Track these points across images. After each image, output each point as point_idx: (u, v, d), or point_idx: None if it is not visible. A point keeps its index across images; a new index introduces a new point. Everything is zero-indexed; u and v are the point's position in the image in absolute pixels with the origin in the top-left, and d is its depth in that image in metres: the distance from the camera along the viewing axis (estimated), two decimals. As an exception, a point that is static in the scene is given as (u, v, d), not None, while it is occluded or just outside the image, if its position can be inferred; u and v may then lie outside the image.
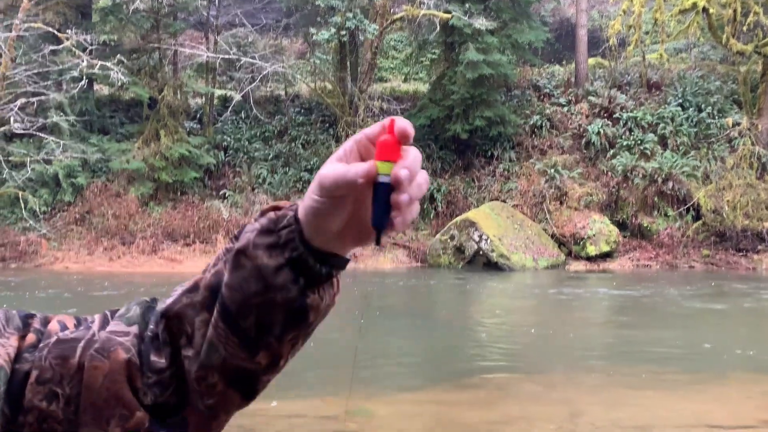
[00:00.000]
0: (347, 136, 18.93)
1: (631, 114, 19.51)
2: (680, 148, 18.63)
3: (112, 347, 0.77)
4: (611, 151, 18.98)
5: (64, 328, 0.81)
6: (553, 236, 17.62)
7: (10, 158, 17.68)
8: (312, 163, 19.62)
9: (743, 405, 6.16)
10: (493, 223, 16.62)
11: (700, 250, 17.07)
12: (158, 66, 20.32)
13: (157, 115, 19.39)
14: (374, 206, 0.66)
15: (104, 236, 17.93)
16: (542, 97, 21.17)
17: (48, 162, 17.77)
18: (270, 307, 0.72)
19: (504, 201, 18.28)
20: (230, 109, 20.47)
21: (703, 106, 19.20)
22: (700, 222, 17.29)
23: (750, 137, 17.60)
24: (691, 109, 19.26)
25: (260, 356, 0.74)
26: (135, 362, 0.76)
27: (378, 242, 0.68)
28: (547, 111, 20.36)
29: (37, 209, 17.77)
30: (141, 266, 17.06)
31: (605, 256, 17.35)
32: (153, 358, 0.77)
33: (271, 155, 20.13)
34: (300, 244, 0.70)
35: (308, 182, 19.40)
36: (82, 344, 0.78)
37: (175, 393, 0.76)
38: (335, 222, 0.69)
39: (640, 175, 17.99)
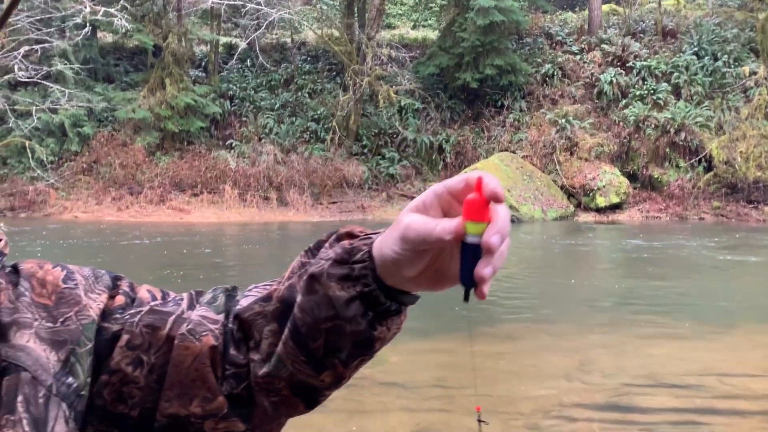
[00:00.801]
0: (355, 84, 18.66)
1: (644, 63, 19.09)
2: (694, 98, 18.29)
3: (204, 332, 0.80)
4: (623, 101, 18.66)
5: (153, 298, 0.84)
6: (562, 187, 17.49)
7: (15, 107, 17.55)
8: (319, 112, 19.40)
9: (751, 354, 6.17)
10: (503, 174, 16.49)
11: (710, 201, 16.93)
12: (162, 12, 19.92)
13: (162, 63, 19.11)
14: (462, 265, 0.65)
15: (112, 186, 17.93)
16: (554, 45, 20.71)
17: (54, 111, 17.65)
18: (338, 334, 0.73)
19: (513, 152, 18.09)
20: (236, 56, 20.15)
21: (719, 54, 18.75)
22: (711, 173, 17.10)
23: (766, 86, 17.23)
24: (706, 57, 18.82)
25: (325, 375, 0.76)
26: (220, 351, 0.80)
27: (467, 300, 0.67)
28: (559, 59, 19.94)
29: (45, 159, 17.73)
30: (149, 216, 17.10)
31: (615, 207, 17.26)
32: (232, 351, 0.80)
33: (277, 105, 19.91)
34: (373, 281, 0.71)
35: (315, 132, 19.35)
36: (172, 318, 0.81)
37: (247, 388, 0.80)
38: (413, 270, 0.70)
39: (652, 126, 17.73)
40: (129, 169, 18.12)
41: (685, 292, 8.77)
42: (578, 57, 20.07)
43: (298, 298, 0.75)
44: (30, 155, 17.44)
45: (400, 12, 24.98)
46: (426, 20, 24.18)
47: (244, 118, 19.79)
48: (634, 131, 18.04)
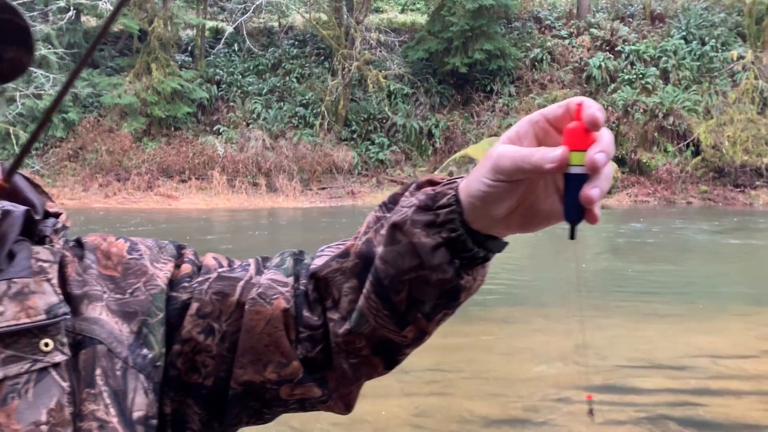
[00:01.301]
0: (344, 69, 18.53)
1: (633, 47, 19.12)
2: (682, 82, 18.36)
3: (275, 295, 0.77)
4: (612, 86, 18.70)
5: (220, 265, 0.82)
6: (551, 172, 17.55)
7: (-2, 92, 17.27)
8: (307, 97, 19.27)
9: (744, 336, 6.24)
10: (492, 158, 16.51)
11: (698, 185, 17.06)
12: (147, -4, 19.62)
13: (148, 48, 18.87)
14: (566, 199, 0.60)
15: (99, 172, 17.74)
16: (543, 29, 20.68)
17: (38, 96, 17.39)
18: (423, 284, 0.70)
19: (503, 136, 18.10)
20: (222, 41, 19.92)
21: (706, 38, 18.81)
22: (699, 158, 17.21)
23: (754, 71, 17.32)
24: (694, 42, 18.88)
25: (408, 330, 0.73)
26: (292, 314, 0.77)
27: (573, 236, 0.62)
28: (548, 44, 19.92)
29: (29, 145, 17.48)
30: (137, 203, 16.95)
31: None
32: (306, 313, 0.77)
33: (265, 89, 19.75)
34: (460, 225, 0.67)
35: (303, 118, 19.24)
36: (241, 284, 0.78)
37: (322, 352, 0.77)
38: (503, 208, 0.65)
39: (641, 110, 17.80)
40: (116, 156, 17.92)
41: (677, 275, 8.85)
42: (567, 41, 20.06)
43: (380, 250, 0.72)
44: (14, 141, 17.20)
45: (388, -4, 24.80)
46: (414, 4, 24.03)
47: (231, 103, 19.62)
48: (623, 116, 18.10)
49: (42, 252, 0.73)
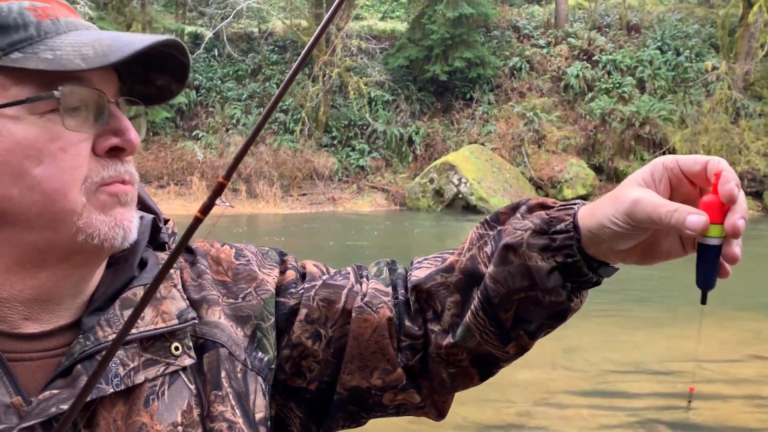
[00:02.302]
0: (324, 75, 18.51)
1: (610, 57, 19.41)
2: (658, 91, 18.68)
3: (380, 304, 0.79)
4: (589, 95, 18.95)
5: (323, 272, 0.84)
6: (530, 180, 17.70)
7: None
8: (287, 103, 19.20)
9: (727, 340, 6.35)
10: (473, 166, 16.60)
11: (673, 193, 17.36)
12: (126, 0, 19.41)
13: (126, 52, 18.66)
14: (700, 266, 0.63)
15: (74, 177, 17.47)
16: (522, 38, 20.90)
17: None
18: (532, 304, 0.72)
19: (483, 144, 18.21)
20: (202, 46, 19.78)
21: (681, 49, 19.18)
22: (674, 166, 17.52)
23: (727, 81, 17.70)
24: (669, 52, 19.23)
25: (510, 346, 0.76)
26: (395, 323, 0.79)
27: (704, 301, 0.65)
28: (527, 53, 20.14)
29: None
30: (114, 208, 16.73)
31: (581, 199, 17.42)
32: (407, 323, 0.79)
33: (244, 95, 19.64)
34: (577, 251, 0.69)
35: (284, 123, 19.17)
36: (345, 291, 0.80)
37: (420, 360, 0.79)
38: (626, 245, 0.67)
39: (618, 119, 18.05)
40: (92, 161, 17.67)
41: (660, 281, 8.97)
42: (545, 50, 20.30)
43: (490, 269, 0.73)
44: None
45: (368, 3, 24.86)
46: (394, 12, 24.14)
47: (210, 109, 19.47)
48: (600, 124, 18.35)
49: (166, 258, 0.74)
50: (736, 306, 7.60)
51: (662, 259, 0.69)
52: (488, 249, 0.75)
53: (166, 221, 0.80)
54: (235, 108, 19.28)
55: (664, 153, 17.60)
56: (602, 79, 19.12)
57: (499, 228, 0.76)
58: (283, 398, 0.80)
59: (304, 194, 17.81)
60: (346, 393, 0.79)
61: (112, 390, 0.64)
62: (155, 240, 0.78)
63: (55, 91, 0.62)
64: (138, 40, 0.64)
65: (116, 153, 0.67)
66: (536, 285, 0.71)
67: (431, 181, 16.70)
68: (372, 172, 18.27)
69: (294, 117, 18.93)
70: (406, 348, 0.79)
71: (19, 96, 0.62)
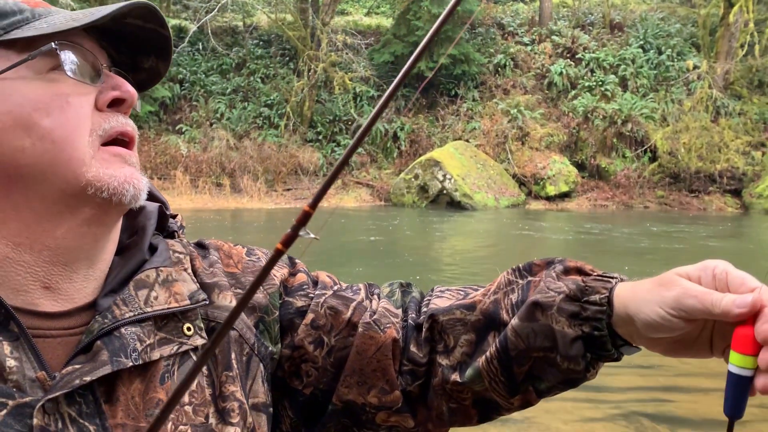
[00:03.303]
0: (309, 70, 18.46)
1: (593, 55, 19.58)
2: (640, 90, 18.88)
3: (388, 324, 0.80)
4: (572, 92, 19.11)
5: (335, 282, 0.86)
6: (514, 176, 17.83)
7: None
8: (272, 98, 19.14)
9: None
10: (457, 162, 16.68)
11: (654, 191, 17.57)
12: (108, -9, 19.21)
13: (109, 45, 18.45)
14: (729, 395, 0.62)
15: (56, 171, 17.27)
16: (506, 35, 21.00)
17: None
18: (548, 365, 0.73)
19: (467, 141, 18.30)
20: (186, 40, 19.63)
21: (663, 48, 19.40)
22: (656, 163, 17.73)
23: (708, 80, 17.94)
24: (651, 51, 19.44)
25: (516, 399, 0.76)
26: (400, 345, 0.80)
27: (731, 430, 0.63)
28: (511, 50, 20.25)
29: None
30: (96, 202, 16.56)
31: (564, 196, 17.70)
32: (413, 348, 0.80)
33: (228, 89, 19.53)
34: (605, 327, 0.69)
35: (268, 118, 19.16)
36: (353, 305, 0.82)
37: (420, 387, 0.80)
38: (657, 334, 0.66)
39: (600, 117, 18.23)
40: (74, 154, 17.47)
41: (641, 277, 9.09)
42: (529, 48, 20.42)
43: (514, 321, 0.73)
44: None
45: (353, -2, 24.82)
46: (379, 7, 24.12)
47: (194, 103, 19.34)
48: (583, 122, 18.51)
49: (176, 245, 0.79)
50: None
51: (689, 355, 0.68)
52: (514, 297, 0.75)
53: (173, 216, 0.83)
54: (219, 102, 19.17)
55: (645, 151, 17.81)
56: (585, 77, 19.29)
57: (529, 279, 0.76)
58: (278, 395, 0.81)
59: (288, 189, 17.78)
60: (341, 405, 0.80)
61: (131, 363, 0.67)
62: (163, 228, 0.81)
63: (53, 44, 0.67)
64: (118, 4, 0.69)
65: (116, 107, 0.72)
66: (557, 348, 0.71)
67: (416, 177, 16.75)
68: (357, 168, 18.28)
69: (278, 112, 18.87)
70: (407, 372, 0.80)
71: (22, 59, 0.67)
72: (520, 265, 0.78)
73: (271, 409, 0.78)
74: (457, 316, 0.79)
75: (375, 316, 0.80)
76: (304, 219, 0.57)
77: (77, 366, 0.65)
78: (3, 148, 0.65)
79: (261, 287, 0.79)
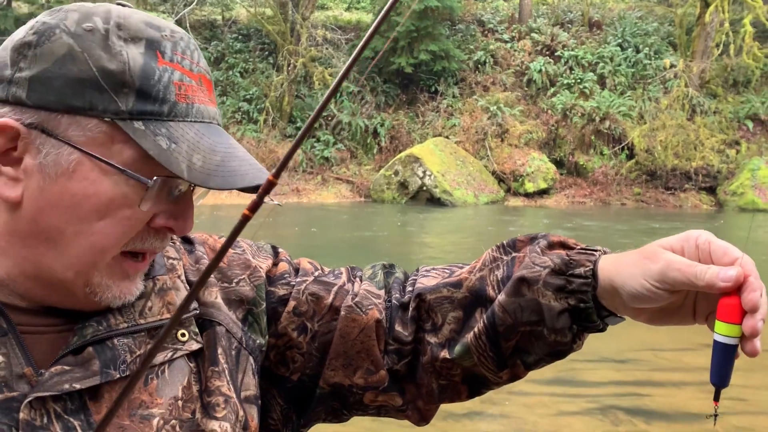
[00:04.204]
0: (289, 65, 18.36)
1: (572, 52, 19.72)
2: (618, 87, 19.06)
3: (370, 306, 0.80)
4: (551, 90, 19.23)
5: (316, 269, 0.86)
6: (493, 173, 17.90)
7: None
8: (251, 92, 19.00)
9: (682, 330, 6.53)
10: (437, 159, 16.70)
11: (631, 188, 17.76)
12: (84, -17, 18.91)
13: (84, 37, 18.18)
14: (714, 363, 0.63)
15: (30, 165, 16.99)
16: (486, 32, 21.07)
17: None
18: (536, 338, 0.74)
19: (447, 137, 18.34)
20: (164, 33, 19.41)
21: (640, 46, 19.60)
22: (633, 161, 17.92)
23: (684, 79, 18.17)
24: (629, 49, 19.63)
25: (504, 373, 0.78)
26: (384, 326, 0.80)
27: (717, 398, 0.65)
28: (491, 47, 20.32)
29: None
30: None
31: (542, 192, 17.82)
32: (398, 328, 0.80)
33: (207, 84, 19.34)
34: (591, 299, 0.70)
35: (247, 113, 19.06)
36: (335, 289, 0.82)
37: (407, 366, 0.80)
38: (641, 304, 0.67)
39: (579, 114, 18.38)
40: (48, 148, 17.20)
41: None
42: (509, 45, 20.50)
43: (501, 297, 0.74)
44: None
45: (333, -7, 24.72)
46: (359, 2, 24.05)
47: (172, 97, 19.13)
48: (562, 119, 18.65)
49: (170, 250, 0.79)
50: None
51: (673, 323, 0.70)
52: (499, 273, 0.76)
53: None
54: (197, 96, 18.98)
55: (623, 148, 18.00)
56: (564, 75, 19.42)
57: (513, 255, 0.77)
58: (266, 384, 0.82)
59: (267, 185, 17.67)
60: (329, 388, 0.81)
61: (118, 375, 0.68)
62: None
63: (149, 180, 0.65)
64: (243, 174, 0.67)
65: (165, 231, 0.70)
66: (544, 322, 0.72)
67: (396, 173, 16.75)
68: (337, 164, 18.23)
69: (258, 107, 18.74)
70: (392, 351, 0.80)
71: (122, 156, 0.64)
72: (504, 242, 0.79)
73: (259, 401, 0.78)
74: (444, 294, 0.79)
75: (357, 299, 0.81)
76: (269, 187, 0.59)
77: (66, 368, 0.66)
78: (47, 219, 0.64)
79: (248, 279, 0.80)
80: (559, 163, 18.35)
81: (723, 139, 17.89)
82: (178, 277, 0.77)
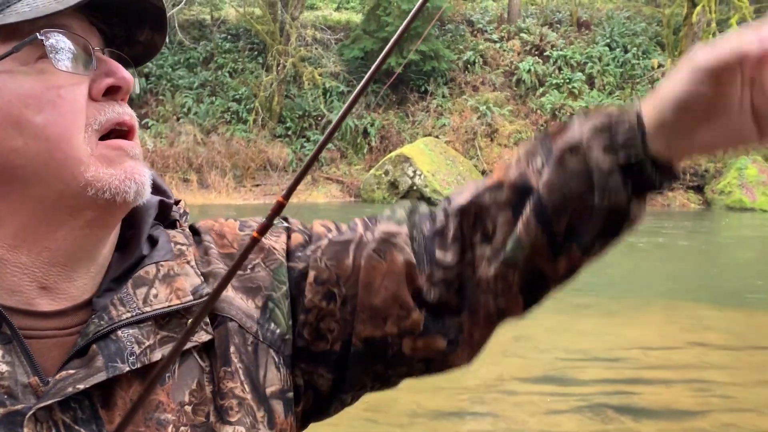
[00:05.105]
0: (278, 65, 18.33)
1: (561, 52, 19.81)
2: (606, 87, 19.17)
3: (388, 248, 0.75)
4: (540, 89, 19.31)
5: (329, 230, 0.80)
6: (483, 172, 17.94)
7: None
8: (240, 92, 18.95)
9: (669, 328, 6.61)
10: (427, 158, 16.73)
11: (620, 187, 17.87)
12: (71, -18, 18.79)
13: (72, 37, 18.07)
14: None
15: (17, 166, 16.86)
16: (475, 32, 21.12)
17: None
18: (588, 211, 0.68)
19: (437, 137, 18.37)
20: (152, 32, 19.33)
21: (629, 46, 19.72)
22: (621, 160, 18.03)
23: (671, 79, 18.30)
24: (617, 49, 19.74)
25: (560, 262, 0.72)
26: (411, 261, 0.75)
27: None
28: (480, 47, 20.37)
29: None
30: (59, 198, 16.23)
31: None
32: (438, 254, 0.75)
33: (196, 83, 19.28)
34: (641, 146, 0.65)
35: (236, 113, 19.03)
36: (353, 246, 0.77)
37: (458, 293, 0.75)
38: (696, 114, 0.62)
39: (568, 114, 18.45)
40: (36, 148, 17.08)
41: (604, 272, 9.25)
42: (498, 45, 20.57)
43: (545, 176, 0.69)
44: None
45: (322, -7, 24.70)
46: (349, 2, 24.03)
47: (161, 97, 19.05)
48: (551, 119, 18.72)
49: (178, 236, 0.75)
50: (679, 296, 7.92)
51: (732, 143, 0.64)
52: (539, 161, 0.70)
53: (176, 202, 0.80)
54: (186, 96, 18.91)
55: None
56: (553, 75, 19.50)
57: (549, 140, 0.71)
58: (310, 365, 0.76)
59: (257, 185, 17.63)
60: (362, 345, 0.75)
61: (128, 368, 0.64)
62: (165, 217, 0.77)
63: (38, 34, 0.62)
64: None
65: (112, 95, 0.67)
66: (594, 188, 0.66)
67: (386, 173, 16.76)
68: (327, 164, 18.22)
69: (247, 107, 18.70)
70: (439, 282, 0.74)
71: (5, 51, 0.62)
72: (535, 134, 0.77)
73: (290, 394, 0.74)
74: (486, 201, 0.73)
75: (374, 246, 0.76)
76: (278, 209, 0.59)
77: (71, 371, 0.62)
78: None
79: (263, 264, 0.76)
80: (548, 163, 18.43)
81: (710, 139, 18.03)
82: (188, 263, 0.72)
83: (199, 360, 0.69)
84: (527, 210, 0.70)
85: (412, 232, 0.77)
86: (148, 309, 0.67)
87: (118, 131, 0.68)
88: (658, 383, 5.07)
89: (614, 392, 4.85)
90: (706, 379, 5.12)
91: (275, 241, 0.78)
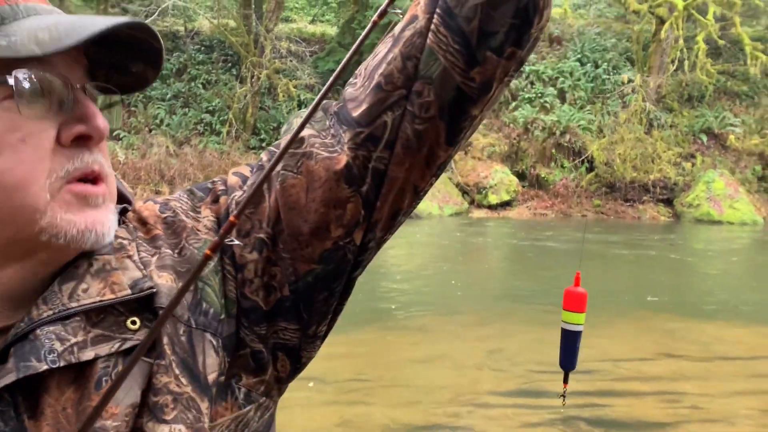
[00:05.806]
0: (252, 77, 18.26)
1: (533, 67, 20.06)
2: (577, 102, 19.45)
3: (298, 161, 0.71)
4: (513, 104, 19.52)
5: (243, 177, 0.75)
6: (457, 185, 18.05)
7: None
8: (214, 104, 18.82)
9: (640, 340, 6.67)
10: (401, 170, 16.77)
11: (591, 200, 18.09)
12: (41, -9, 18.54)
13: (42, 46, 17.79)
14: (564, 350, 0.66)
15: (-17, 177, 16.48)
16: (449, 46, 21.31)
17: None
18: (495, 6, 0.66)
19: (411, 149, 18.44)
20: (124, 43, 19.14)
21: (599, 62, 20.06)
22: (593, 173, 18.27)
23: (641, 94, 18.64)
24: (588, 64, 20.07)
25: (475, 72, 0.68)
26: (326, 157, 0.70)
27: (566, 381, 0.66)
28: (454, 61, 20.55)
29: None
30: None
31: (505, 204, 18.03)
32: (354, 113, 0.73)
33: (169, 95, 19.10)
34: None
35: (210, 125, 18.84)
36: (266, 185, 0.72)
37: (387, 146, 0.70)
38: None
39: (540, 128, 18.68)
40: (3, 159, 16.73)
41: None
42: (472, 59, 20.77)
43: None
44: None
45: (297, 6, 24.72)
46: (324, 15, 24.10)
47: (132, 108, 18.83)
48: (523, 132, 18.93)
49: (121, 231, 0.71)
50: (650, 308, 8.01)
51: None
52: None
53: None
54: (158, 108, 18.72)
55: (583, 161, 18.34)
56: (525, 89, 19.74)
57: None
58: (273, 327, 0.71)
59: (230, 197, 17.50)
60: (317, 266, 0.71)
61: (46, 366, 0.59)
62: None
63: (7, 76, 0.59)
64: (98, 23, 0.60)
65: (83, 142, 0.64)
66: None
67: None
68: (300, 176, 18.15)
69: (220, 118, 18.57)
70: (360, 145, 0.70)
71: None
72: None
73: (223, 378, 0.69)
74: (407, 36, 0.71)
75: (284, 171, 0.71)
76: (230, 228, 0.59)
77: None
78: None
79: (187, 244, 0.71)
80: (521, 176, 18.60)
81: (679, 153, 18.38)
82: (129, 257, 0.68)
83: (145, 358, 0.65)
84: (435, 18, 0.68)
85: (319, 125, 0.74)
86: (73, 304, 0.63)
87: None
88: (630, 395, 5.11)
89: (586, 405, 4.87)
90: (677, 391, 5.18)
91: (199, 219, 0.73)
